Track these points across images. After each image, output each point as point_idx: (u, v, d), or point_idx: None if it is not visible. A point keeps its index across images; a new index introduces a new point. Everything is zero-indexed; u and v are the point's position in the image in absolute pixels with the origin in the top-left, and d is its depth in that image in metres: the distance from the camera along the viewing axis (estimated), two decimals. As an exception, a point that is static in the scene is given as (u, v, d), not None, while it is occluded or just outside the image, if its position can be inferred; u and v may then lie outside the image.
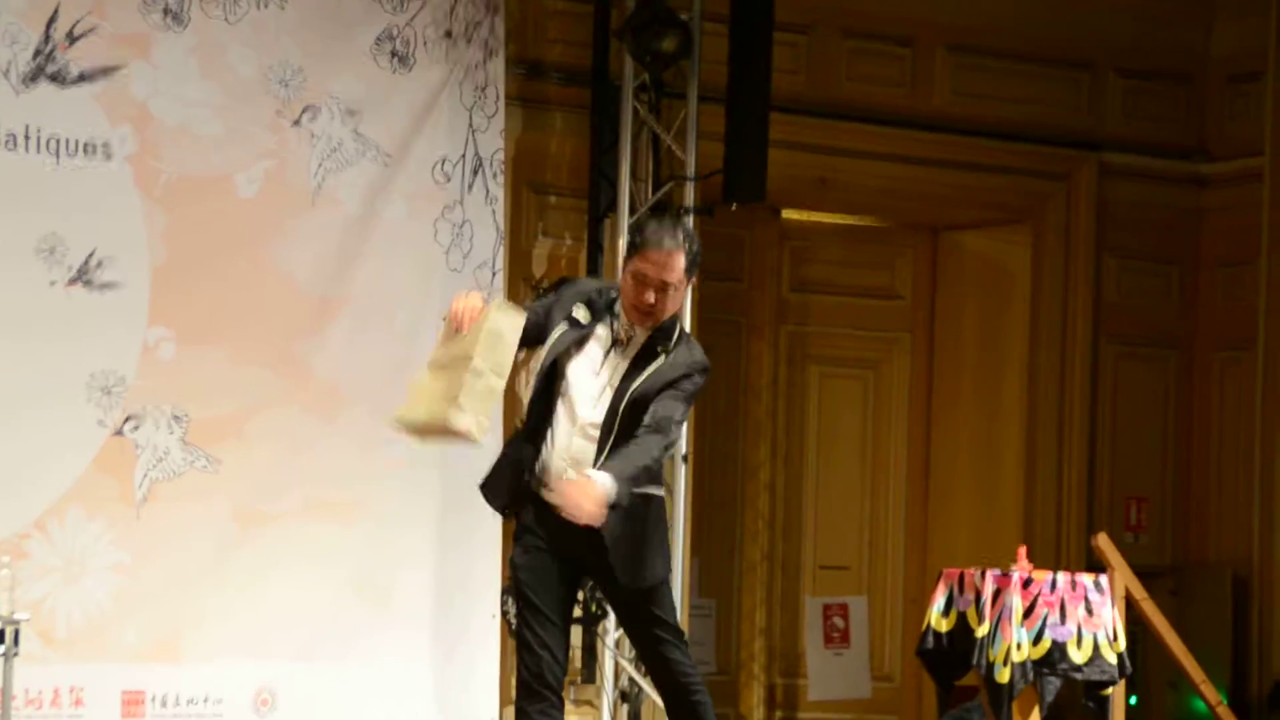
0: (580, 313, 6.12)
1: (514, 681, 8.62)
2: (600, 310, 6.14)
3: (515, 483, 6.11)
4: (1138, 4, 10.61)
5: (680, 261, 6.10)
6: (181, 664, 8.03)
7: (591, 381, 6.10)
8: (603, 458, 5.98)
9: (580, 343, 6.12)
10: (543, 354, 6.13)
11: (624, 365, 6.10)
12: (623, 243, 9.20)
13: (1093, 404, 10.55)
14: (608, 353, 6.12)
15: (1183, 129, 10.79)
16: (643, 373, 6.10)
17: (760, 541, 10.53)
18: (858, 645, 10.75)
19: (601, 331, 6.12)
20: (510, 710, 9.16)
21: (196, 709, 8.06)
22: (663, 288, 6.10)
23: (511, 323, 5.94)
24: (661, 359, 6.14)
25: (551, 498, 5.99)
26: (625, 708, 9.18)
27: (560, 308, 6.13)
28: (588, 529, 5.91)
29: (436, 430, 5.93)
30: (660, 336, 6.15)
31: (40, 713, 7.78)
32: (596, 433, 6.05)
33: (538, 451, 6.08)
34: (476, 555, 8.67)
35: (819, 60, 10.07)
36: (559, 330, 6.12)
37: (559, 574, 6.12)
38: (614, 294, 6.19)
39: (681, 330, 6.22)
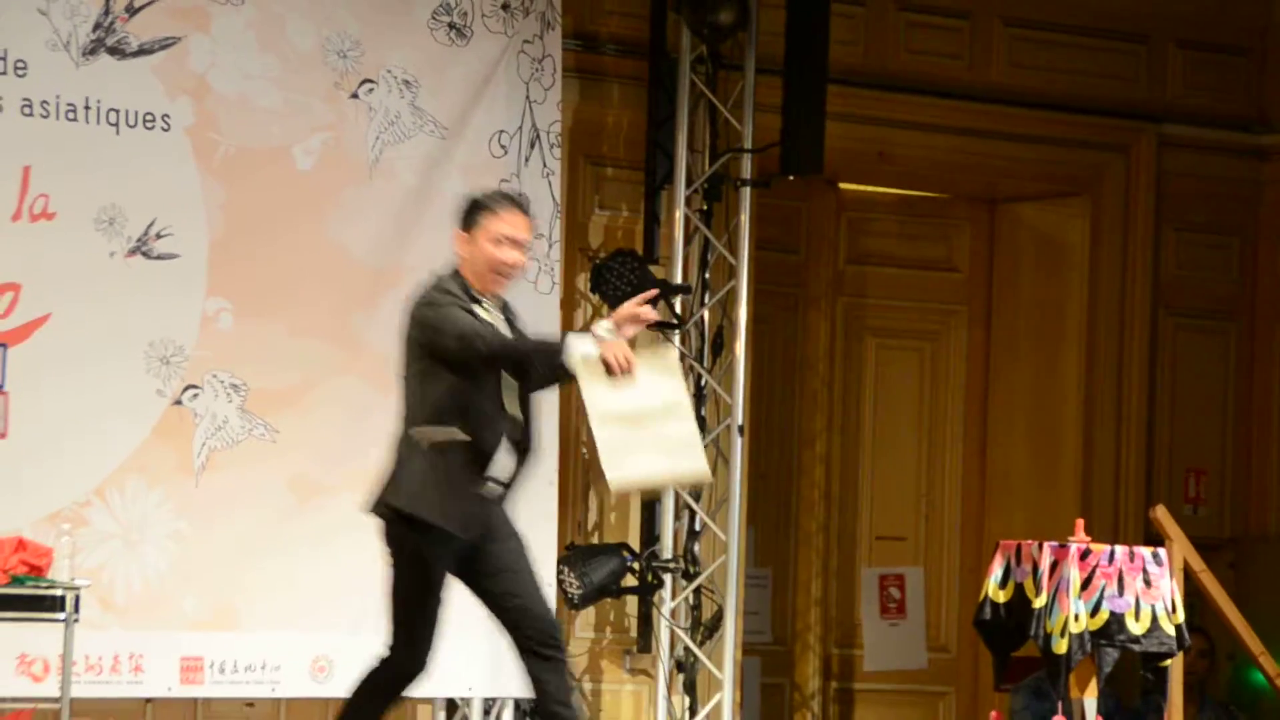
0: (477, 309, 6.24)
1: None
2: (474, 299, 6.26)
3: (478, 501, 6.22)
4: (1197, -26, 10.58)
5: (529, 220, 6.36)
6: (239, 631, 8.08)
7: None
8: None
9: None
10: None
11: (509, 330, 6.33)
12: (679, 214, 9.22)
13: (1151, 376, 10.51)
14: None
15: (1243, 100, 10.73)
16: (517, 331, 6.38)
17: (816, 513, 10.53)
18: (914, 616, 10.74)
19: (482, 315, 6.26)
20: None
21: (254, 675, 8.12)
22: (524, 247, 6.32)
23: (673, 352, 6.00)
24: (511, 315, 6.42)
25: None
26: (681, 677, 9.20)
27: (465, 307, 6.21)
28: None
29: (671, 484, 6.08)
30: (500, 301, 6.37)
31: (100, 678, 7.84)
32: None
33: (490, 453, 6.18)
34: (531, 525, 8.56)
35: (876, 32, 10.05)
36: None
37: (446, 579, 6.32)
38: (459, 282, 6.26)
39: None
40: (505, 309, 6.45)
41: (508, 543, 6.41)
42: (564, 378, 6.22)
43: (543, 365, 6.18)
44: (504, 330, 6.32)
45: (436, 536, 6.22)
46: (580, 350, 6.03)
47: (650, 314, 6.16)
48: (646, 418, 6.04)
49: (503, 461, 6.28)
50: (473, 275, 6.31)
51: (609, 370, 5.97)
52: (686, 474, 6.19)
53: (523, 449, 6.34)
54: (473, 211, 6.35)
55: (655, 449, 6.04)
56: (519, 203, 6.40)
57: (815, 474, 10.53)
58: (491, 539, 6.36)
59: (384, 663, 6.37)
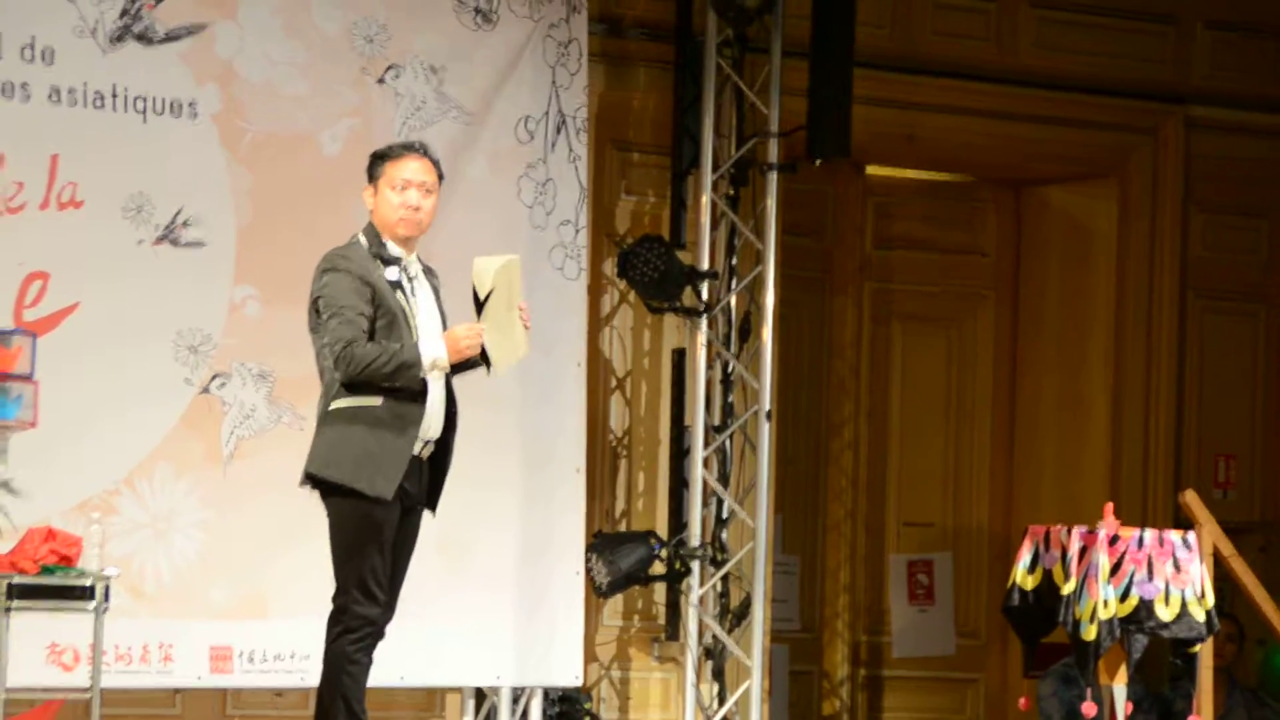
0: (390, 273, 6.33)
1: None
2: (385, 260, 6.34)
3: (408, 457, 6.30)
4: (1225, -45, 10.53)
5: (430, 164, 6.44)
6: (268, 620, 8.09)
7: (434, 325, 6.41)
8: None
9: (407, 295, 6.36)
10: (399, 321, 6.32)
11: (434, 301, 6.45)
12: (706, 199, 9.20)
13: (1180, 360, 10.48)
14: (414, 292, 6.39)
15: (1271, 81, 10.68)
16: (441, 299, 6.51)
17: (844, 499, 10.51)
18: (942, 602, 10.73)
19: (395, 276, 6.35)
20: (595, 668, 9.23)
21: (283, 664, 8.12)
22: (425, 189, 6.39)
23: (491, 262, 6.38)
24: (438, 285, 6.52)
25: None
26: (709, 664, 9.19)
27: (363, 282, 6.27)
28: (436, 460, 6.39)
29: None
30: (426, 267, 6.52)
31: (130, 668, 7.86)
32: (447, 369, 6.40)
33: (419, 414, 6.29)
34: (559, 513, 8.69)
35: (903, 15, 10.02)
36: (389, 296, 6.31)
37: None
38: (370, 245, 6.35)
39: None
40: (433, 276, 6.54)
41: (415, 517, 6.49)
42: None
43: (404, 381, 6.27)
44: (424, 300, 6.42)
45: (375, 503, 6.29)
46: (431, 356, 6.29)
47: (471, 346, 6.31)
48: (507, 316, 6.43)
49: (432, 420, 6.37)
50: (382, 227, 6.42)
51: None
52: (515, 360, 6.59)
53: (449, 400, 6.43)
54: (374, 164, 6.49)
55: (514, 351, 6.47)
56: (418, 147, 6.51)
57: (843, 460, 10.52)
58: (412, 510, 6.46)
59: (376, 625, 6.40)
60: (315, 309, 6.39)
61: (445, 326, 6.48)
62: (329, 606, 8.25)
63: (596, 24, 9.10)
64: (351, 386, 6.28)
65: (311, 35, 8.29)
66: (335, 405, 6.34)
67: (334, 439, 6.31)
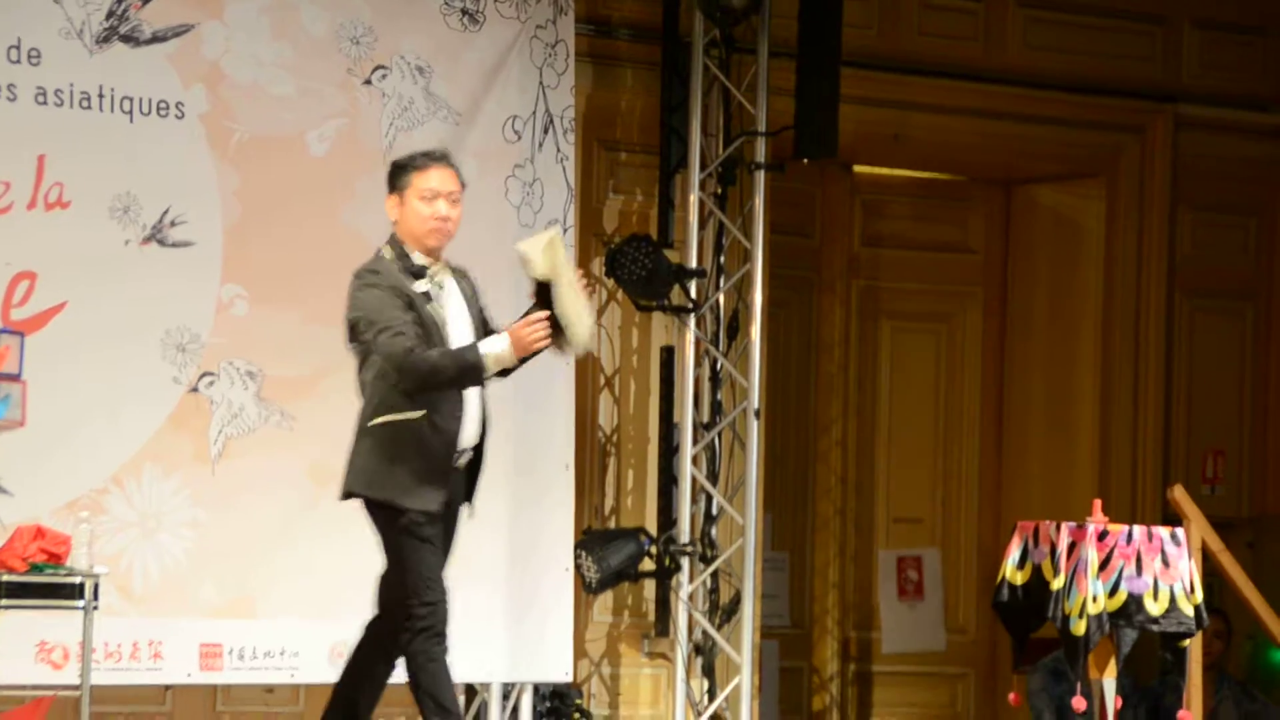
0: (419, 285, 6.34)
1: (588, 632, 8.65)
2: (415, 273, 6.35)
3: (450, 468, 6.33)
4: (1212, -46, 10.56)
5: (454, 172, 6.43)
6: (258, 618, 8.09)
7: (466, 331, 6.39)
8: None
9: (439, 307, 6.37)
10: (432, 333, 6.32)
11: (464, 305, 6.45)
12: (693, 198, 9.22)
13: (1168, 357, 10.50)
14: (443, 302, 6.40)
15: (1259, 80, 10.70)
16: (479, 305, 6.51)
17: (833, 496, 10.53)
18: (931, 598, 10.74)
19: (425, 287, 6.36)
20: (585, 664, 9.24)
21: (273, 662, 8.13)
22: (452, 199, 6.39)
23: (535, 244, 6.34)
24: (470, 287, 6.52)
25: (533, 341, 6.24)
26: (699, 660, 9.21)
27: (397, 294, 6.29)
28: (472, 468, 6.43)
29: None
30: (456, 269, 6.50)
31: (120, 665, 7.87)
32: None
33: (456, 426, 6.31)
34: (549, 510, 8.71)
35: (890, 14, 10.04)
36: (422, 308, 6.33)
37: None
38: (396, 258, 6.36)
39: None
40: (464, 279, 6.52)
41: (453, 517, 6.55)
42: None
43: (469, 383, 6.31)
44: (454, 307, 6.42)
45: (416, 515, 6.34)
46: (494, 353, 6.27)
47: (539, 339, 6.26)
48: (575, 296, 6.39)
49: (469, 430, 6.41)
50: (409, 238, 6.42)
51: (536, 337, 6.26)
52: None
53: (483, 406, 6.47)
54: (398, 173, 6.48)
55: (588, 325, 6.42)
56: (442, 156, 6.51)
57: (832, 457, 10.53)
58: (451, 508, 6.50)
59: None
60: (356, 327, 6.35)
61: (479, 327, 6.45)
62: (318, 604, 8.30)
63: (583, 25, 9.11)
64: (398, 400, 6.27)
65: (299, 36, 8.30)
66: (376, 420, 6.34)
67: (376, 458, 6.34)
